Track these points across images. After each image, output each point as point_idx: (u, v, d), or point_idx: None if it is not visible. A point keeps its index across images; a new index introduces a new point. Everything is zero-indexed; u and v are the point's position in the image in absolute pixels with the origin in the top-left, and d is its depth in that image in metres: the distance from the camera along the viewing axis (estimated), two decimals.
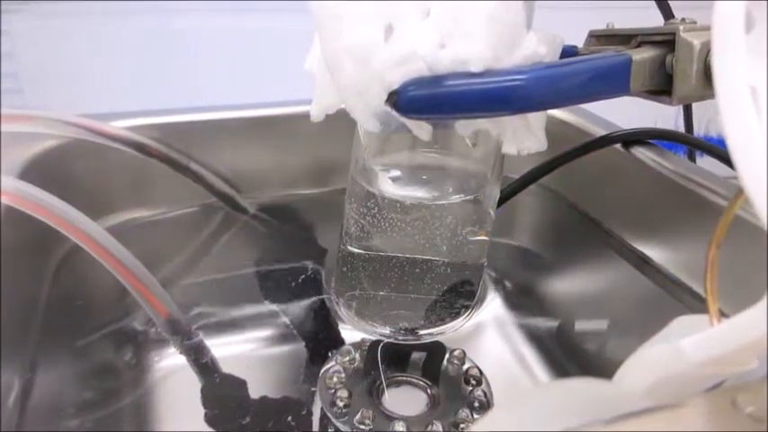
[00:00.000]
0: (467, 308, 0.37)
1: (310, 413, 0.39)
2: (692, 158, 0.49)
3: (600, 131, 0.45)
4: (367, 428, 0.35)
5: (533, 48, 0.28)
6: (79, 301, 0.41)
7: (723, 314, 0.23)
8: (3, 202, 0.32)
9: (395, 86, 0.27)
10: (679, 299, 0.39)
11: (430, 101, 0.27)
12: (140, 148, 0.42)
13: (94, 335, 0.41)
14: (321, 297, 0.47)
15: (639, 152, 0.43)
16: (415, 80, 0.27)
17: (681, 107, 0.48)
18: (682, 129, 0.49)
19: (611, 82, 0.30)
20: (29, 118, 0.39)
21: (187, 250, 0.47)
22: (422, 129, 0.29)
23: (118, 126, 0.42)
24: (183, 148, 0.44)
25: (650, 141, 0.43)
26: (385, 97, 0.27)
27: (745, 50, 0.20)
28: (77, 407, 0.35)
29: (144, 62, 0.83)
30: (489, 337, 0.49)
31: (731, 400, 0.21)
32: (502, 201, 0.43)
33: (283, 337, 0.46)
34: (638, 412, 0.21)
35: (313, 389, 0.38)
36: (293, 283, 0.48)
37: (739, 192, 0.22)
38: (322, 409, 0.36)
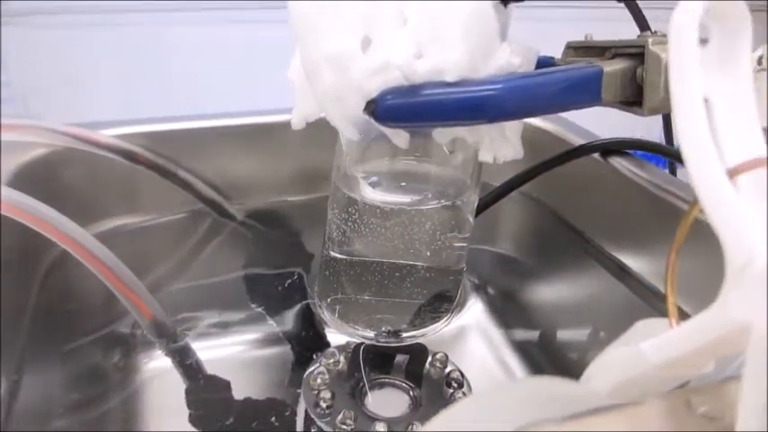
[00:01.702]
0: (447, 311, 0.38)
1: (294, 414, 0.39)
2: (673, 170, 0.50)
3: (579, 141, 0.46)
4: (349, 428, 0.36)
5: (507, 58, 0.29)
6: (69, 305, 0.42)
7: (686, 317, 0.23)
8: None
9: (372, 95, 0.28)
10: (655, 307, 0.40)
11: (406, 109, 0.28)
12: (129, 155, 0.43)
13: (83, 338, 0.42)
14: (307, 301, 0.48)
15: (617, 162, 0.44)
16: (392, 89, 0.28)
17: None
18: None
19: (583, 92, 0.31)
20: (18, 127, 0.39)
21: (176, 256, 0.48)
22: (399, 136, 0.30)
23: (106, 134, 0.43)
24: (171, 155, 0.45)
25: (628, 152, 0.44)
26: (363, 106, 0.28)
27: (698, 63, 0.21)
28: (65, 408, 0.36)
29: (137, 72, 0.84)
30: (471, 341, 0.50)
31: (685, 400, 0.22)
32: (483, 208, 0.44)
33: (270, 341, 0.47)
34: (597, 410, 0.21)
35: (298, 391, 0.39)
36: (280, 288, 0.48)
37: (694, 202, 0.23)
38: (306, 409, 0.37)
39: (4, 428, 0.30)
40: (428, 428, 0.19)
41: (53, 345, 0.39)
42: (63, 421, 0.35)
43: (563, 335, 0.47)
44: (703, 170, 0.20)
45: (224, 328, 0.48)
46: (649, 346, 0.22)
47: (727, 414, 0.21)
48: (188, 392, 0.39)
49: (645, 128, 0.51)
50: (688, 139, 0.21)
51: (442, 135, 0.31)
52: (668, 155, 0.46)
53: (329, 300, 0.37)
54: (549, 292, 0.51)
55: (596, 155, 0.45)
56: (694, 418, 0.21)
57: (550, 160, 0.44)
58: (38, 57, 0.81)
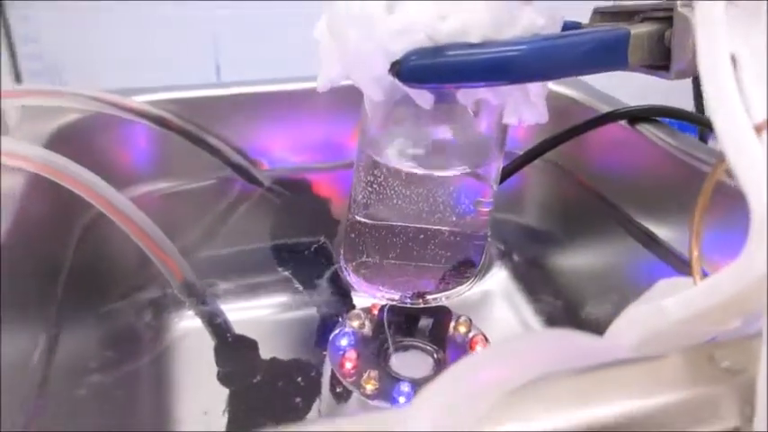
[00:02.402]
0: (470, 276, 0.38)
1: (320, 374, 0.40)
2: (703, 138, 0.49)
3: (605, 108, 0.45)
4: (373, 388, 0.37)
5: (532, 19, 0.29)
6: (103, 266, 0.43)
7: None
8: (32, 171, 0.34)
9: (397, 56, 0.28)
10: (683, 273, 0.40)
11: (431, 70, 0.28)
12: (159, 121, 0.44)
13: (117, 298, 0.43)
14: (334, 265, 0.48)
15: (645, 129, 0.43)
16: (416, 50, 0.28)
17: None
18: None
19: (609, 55, 0.31)
20: (54, 93, 0.40)
21: (205, 221, 0.49)
22: (424, 98, 0.30)
23: (138, 100, 0.43)
24: (200, 122, 0.45)
25: (656, 119, 0.44)
26: (388, 66, 0.29)
27: (725, 19, 0.21)
28: (100, 364, 0.37)
29: (165, 43, 0.85)
30: (496, 306, 0.51)
31: (708, 354, 0.22)
32: (508, 175, 0.44)
33: (297, 304, 0.48)
34: (619, 362, 0.22)
35: (324, 352, 0.40)
36: (306, 252, 0.49)
37: (720, 158, 0.23)
38: (331, 370, 0.38)
39: (44, 383, 0.31)
40: (448, 375, 0.19)
41: (88, 304, 0.40)
42: (98, 376, 0.36)
43: (588, 303, 0.47)
44: (729, 125, 0.20)
45: (252, 291, 0.49)
46: (671, 303, 0.22)
47: (751, 368, 0.21)
48: (216, 351, 0.40)
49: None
50: (714, 94, 0.21)
51: (466, 96, 0.31)
52: (698, 122, 0.45)
53: (354, 263, 0.38)
54: (574, 260, 0.51)
55: (624, 122, 0.44)
56: (717, 372, 0.21)
57: (577, 127, 0.44)
58: (71, 29, 0.82)
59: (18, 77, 0.83)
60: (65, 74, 0.83)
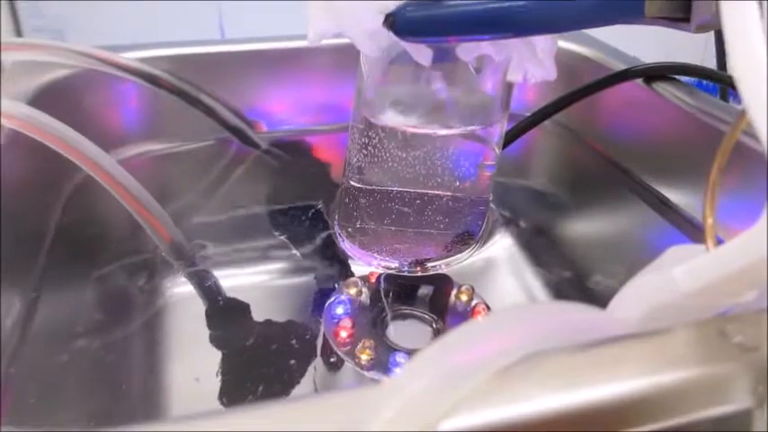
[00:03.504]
0: (471, 242, 0.36)
1: (314, 337, 0.39)
2: (724, 98, 0.46)
3: (620, 66, 0.43)
4: (369, 359, 0.36)
5: None
6: (94, 229, 0.42)
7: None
8: (11, 127, 0.33)
9: (391, 8, 0.26)
10: (698, 242, 0.38)
11: (428, 22, 0.27)
12: (151, 79, 0.42)
13: (109, 261, 0.42)
14: (329, 231, 0.47)
15: (662, 88, 0.41)
16: (412, 1, 0.26)
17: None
18: None
19: (623, 5, 0.28)
20: (40, 47, 0.39)
21: (199, 183, 0.48)
22: (421, 53, 0.28)
23: (129, 57, 0.42)
24: (195, 80, 0.44)
25: (674, 77, 0.42)
26: (382, 19, 0.27)
27: None
28: (87, 328, 0.36)
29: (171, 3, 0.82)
30: (500, 275, 0.49)
31: (719, 329, 0.20)
32: (514, 137, 0.42)
33: (293, 270, 0.47)
34: (626, 336, 0.20)
35: (319, 319, 0.39)
36: (303, 217, 0.48)
37: (742, 114, 0.21)
38: (324, 335, 0.37)
39: (18, 348, 0.30)
40: (443, 342, 0.18)
41: (77, 267, 0.39)
42: (83, 340, 0.35)
43: (597, 271, 0.46)
44: (754, 80, 0.18)
45: (247, 256, 0.48)
46: (681, 272, 0.21)
47: (765, 345, 0.20)
48: (207, 314, 0.39)
49: None
50: (738, 45, 0.19)
51: (467, 52, 0.29)
52: (720, 80, 0.43)
53: (350, 229, 0.37)
54: (583, 227, 0.49)
55: (639, 81, 0.42)
56: (728, 348, 0.20)
57: (589, 86, 0.41)
58: None
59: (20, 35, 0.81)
60: (68, 33, 0.82)
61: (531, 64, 0.30)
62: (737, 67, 0.18)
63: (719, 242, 0.22)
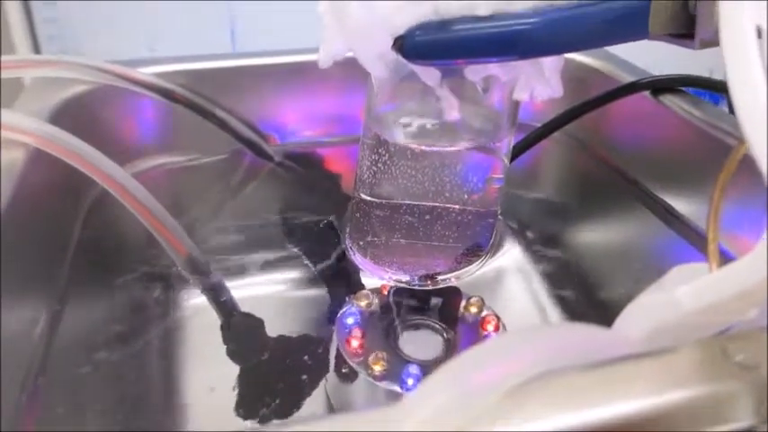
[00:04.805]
0: (481, 254, 0.37)
1: (327, 352, 0.40)
2: (732, 109, 0.47)
3: (627, 78, 0.43)
4: (382, 370, 0.36)
5: None
6: (112, 241, 0.43)
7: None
8: (32, 145, 0.34)
9: (401, 31, 0.27)
10: (703, 250, 0.38)
11: (436, 46, 0.27)
12: (167, 94, 0.43)
13: (126, 273, 0.43)
14: (342, 245, 0.48)
15: (669, 100, 0.41)
16: (421, 25, 0.27)
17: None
18: None
19: (629, 24, 0.29)
20: (59, 63, 0.40)
21: (214, 196, 0.49)
22: (430, 74, 0.29)
23: (145, 72, 0.43)
24: (209, 94, 0.45)
25: (681, 89, 0.42)
26: (391, 42, 0.27)
27: None
28: (108, 339, 0.37)
29: (183, 11, 0.83)
30: (510, 285, 0.50)
31: (722, 347, 0.21)
32: (524, 149, 0.43)
33: (306, 282, 0.48)
34: (627, 357, 0.21)
35: (331, 330, 0.39)
36: (316, 229, 0.49)
37: (741, 143, 0.22)
38: (338, 349, 0.37)
39: (45, 359, 0.31)
40: (455, 363, 0.19)
41: (97, 279, 0.40)
42: (105, 352, 0.36)
43: (606, 281, 0.46)
44: (751, 103, 0.19)
45: (261, 268, 0.48)
46: (684, 293, 0.21)
47: (765, 364, 0.20)
48: (223, 328, 0.40)
49: None
50: (736, 69, 0.20)
51: (475, 73, 0.30)
52: (726, 92, 0.43)
53: (361, 242, 0.37)
54: (591, 237, 0.49)
55: (646, 93, 0.42)
56: (730, 367, 0.20)
57: (597, 98, 0.42)
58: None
59: (36, 48, 0.82)
60: (83, 41, 0.82)
61: (537, 83, 0.31)
62: (737, 100, 0.19)
63: (722, 252, 0.22)
